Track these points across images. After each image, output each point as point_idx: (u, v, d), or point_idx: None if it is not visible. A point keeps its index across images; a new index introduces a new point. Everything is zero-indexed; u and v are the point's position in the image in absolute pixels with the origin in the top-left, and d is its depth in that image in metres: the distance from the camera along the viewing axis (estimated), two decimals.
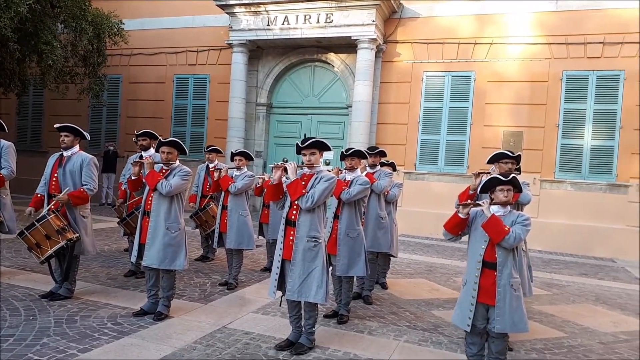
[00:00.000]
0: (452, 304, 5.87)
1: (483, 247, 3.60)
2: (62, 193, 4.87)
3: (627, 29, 10.39)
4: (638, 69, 10.30)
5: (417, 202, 11.67)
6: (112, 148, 13.98)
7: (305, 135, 12.88)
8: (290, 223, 4.09)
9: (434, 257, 9.07)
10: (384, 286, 6.49)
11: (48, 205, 4.95)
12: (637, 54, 10.33)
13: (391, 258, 6.64)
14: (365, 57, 11.63)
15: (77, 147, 5.14)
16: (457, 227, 3.73)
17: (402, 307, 5.67)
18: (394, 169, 6.46)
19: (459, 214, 3.69)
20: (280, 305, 4.49)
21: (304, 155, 4.13)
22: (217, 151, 7.66)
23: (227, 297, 5.61)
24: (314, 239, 4.00)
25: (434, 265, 8.37)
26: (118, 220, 6.46)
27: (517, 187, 3.69)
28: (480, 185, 3.82)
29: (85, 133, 5.15)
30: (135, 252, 4.85)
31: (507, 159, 4.55)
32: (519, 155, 4.63)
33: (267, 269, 7.02)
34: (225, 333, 4.43)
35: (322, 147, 4.15)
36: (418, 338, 4.66)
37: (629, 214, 10.39)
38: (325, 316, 5.03)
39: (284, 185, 4.11)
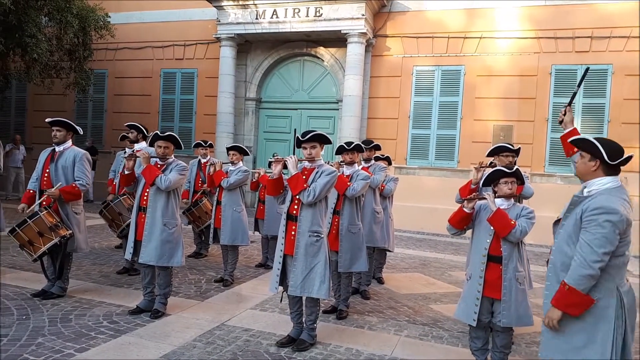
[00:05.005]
0: (449, 298, 5.89)
1: (488, 240, 3.57)
2: (54, 188, 4.75)
3: (614, 23, 10.46)
4: (626, 63, 10.40)
5: (408, 197, 11.63)
6: (89, 144, 13.74)
7: (295, 130, 12.80)
8: (291, 218, 4.02)
9: (427, 252, 9.07)
10: (380, 281, 6.46)
11: (39, 201, 4.82)
12: (624, 47, 10.42)
13: (387, 253, 6.62)
14: (355, 51, 11.57)
15: (69, 142, 5.02)
16: (462, 222, 3.70)
17: (400, 302, 5.65)
18: (389, 163, 6.42)
19: (464, 209, 3.65)
20: (281, 301, 4.43)
21: (305, 149, 4.06)
22: (207, 145, 7.58)
23: (223, 294, 5.54)
24: (316, 234, 3.94)
25: (427, 259, 8.37)
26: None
27: (520, 179, 3.67)
28: (483, 178, 3.79)
29: (77, 127, 5.03)
30: (130, 250, 4.75)
31: (508, 152, 4.54)
32: (519, 149, 4.62)
33: (262, 265, 6.95)
34: (225, 330, 4.36)
35: (323, 140, 4.09)
36: (418, 333, 4.64)
37: None
38: (324, 312, 4.98)
39: (284, 180, 4.05)
